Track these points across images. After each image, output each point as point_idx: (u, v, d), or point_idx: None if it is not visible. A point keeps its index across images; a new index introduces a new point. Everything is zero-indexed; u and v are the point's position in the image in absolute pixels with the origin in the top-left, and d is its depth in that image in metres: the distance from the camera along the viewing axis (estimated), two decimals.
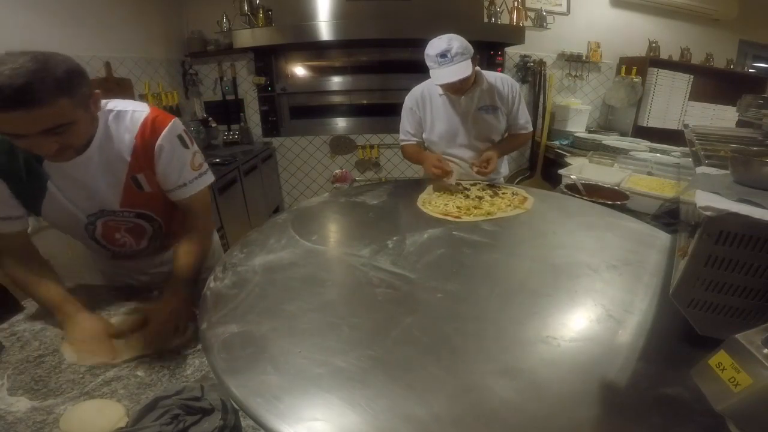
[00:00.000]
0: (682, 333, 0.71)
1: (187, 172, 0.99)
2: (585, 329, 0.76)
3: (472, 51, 1.49)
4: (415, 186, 1.63)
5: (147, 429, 0.54)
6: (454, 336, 0.74)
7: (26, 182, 0.87)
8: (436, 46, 1.47)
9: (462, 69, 1.46)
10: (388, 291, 0.88)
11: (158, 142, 0.92)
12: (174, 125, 0.95)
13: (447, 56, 1.45)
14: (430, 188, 1.58)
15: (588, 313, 0.80)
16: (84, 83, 0.78)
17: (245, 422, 0.63)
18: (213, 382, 0.65)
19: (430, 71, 1.51)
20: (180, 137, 0.97)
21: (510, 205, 1.39)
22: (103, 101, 0.90)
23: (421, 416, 0.56)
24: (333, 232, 1.34)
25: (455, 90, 1.57)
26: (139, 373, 0.77)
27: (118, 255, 1.12)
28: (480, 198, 1.46)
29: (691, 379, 0.58)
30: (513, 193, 1.50)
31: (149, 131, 0.91)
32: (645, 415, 0.57)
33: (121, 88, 2.55)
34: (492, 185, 1.61)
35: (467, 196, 1.48)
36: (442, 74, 1.47)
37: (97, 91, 0.83)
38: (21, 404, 0.69)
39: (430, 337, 0.73)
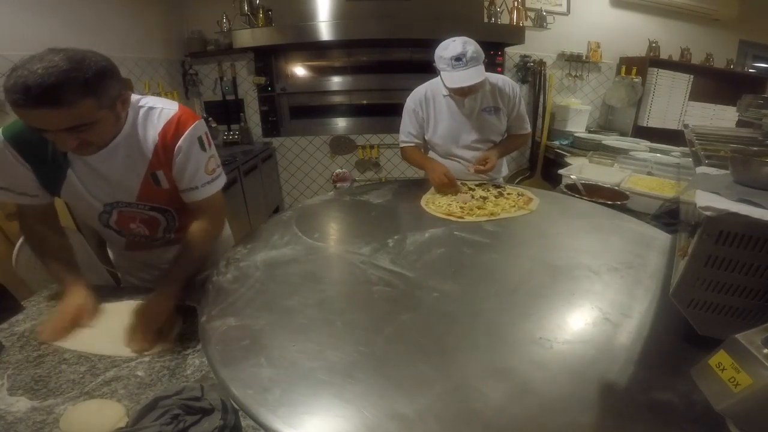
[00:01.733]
0: (682, 334, 0.71)
1: (201, 175, 1.00)
2: (579, 332, 0.75)
3: (484, 55, 1.49)
4: (420, 186, 1.63)
5: (147, 429, 0.54)
6: (447, 335, 0.74)
7: (50, 167, 0.90)
8: (451, 48, 1.46)
9: (476, 74, 1.47)
10: (385, 289, 0.89)
11: (179, 143, 0.93)
12: (196, 127, 0.96)
13: (462, 60, 1.45)
14: (434, 188, 1.58)
15: (584, 316, 0.79)
16: (113, 85, 0.80)
17: (245, 422, 0.62)
18: (213, 382, 0.65)
19: (442, 73, 1.51)
20: (200, 139, 0.98)
21: (514, 206, 1.38)
22: (137, 96, 0.94)
23: (406, 413, 0.56)
24: (335, 230, 1.35)
25: (463, 93, 1.57)
26: (139, 373, 0.77)
27: (132, 245, 1.14)
28: (484, 198, 1.46)
29: (683, 385, 0.58)
30: (518, 194, 1.50)
31: (173, 131, 0.93)
32: (631, 421, 0.57)
33: None
34: (497, 186, 1.60)
35: (472, 197, 1.47)
36: (456, 78, 1.47)
37: (126, 91, 0.85)
38: (21, 404, 0.69)
39: (422, 336, 0.74)
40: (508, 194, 1.50)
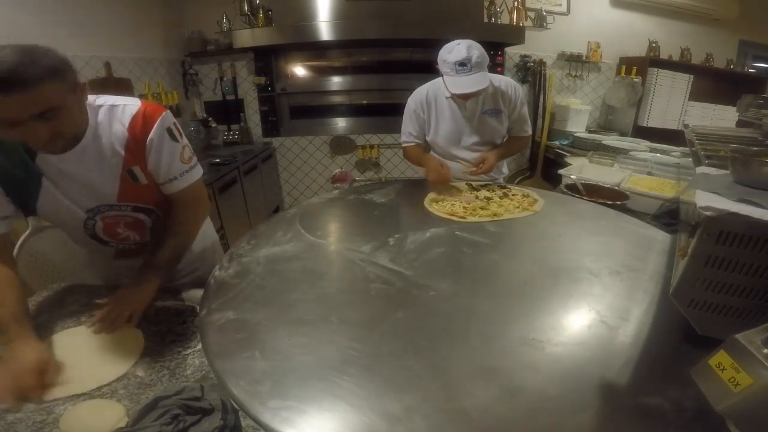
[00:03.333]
0: (682, 334, 0.71)
1: (177, 165, 0.99)
2: (573, 334, 0.75)
3: (488, 60, 1.48)
4: (424, 186, 1.63)
5: (147, 429, 0.54)
6: (440, 333, 0.75)
7: (21, 181, 0.87)
8: (455, 52, 1.44)
9: (480, 80, 1.45)
10: (382, 287, 0.89)
11: (150, 135, 0.93)
12: (164, 118, 0.95)
13: (466, 66, 1.43)
14: (430, 185, 1.58)
15: (580, 319, 0.79)
16: (70, 71, 0.79)
17: (245, 422, 0.63)
18: (213, 382, 0.65)
19: (445, 77, 1.49)
20: (169, 130, 0.97)
21: (518, 207, 1.37)
22: (93, 96, 0.91)
23: (393, 410, 0.56)
24: (338, 227, 1.36)
25: (466, 96, 1.56)
26: (139, 373, 0.77)
27: (121, 253, 1.11)
28: (489, 199, 1.45)
29: (674, 391, 0.58)
30: (523, 195, 1.48)
31: (141, 124, 0.92)
32: (618, 425, 0.56)
33: (121, 88, 2.55)
34: (502, 186, 1.59)
35: (476, 197, 1.46)
36: (460, 83, 1.46)
37: (83, 82, 0.84)
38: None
39: (415, 333, 0.74)
40: (513, 195, 1.49)
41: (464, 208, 1.36)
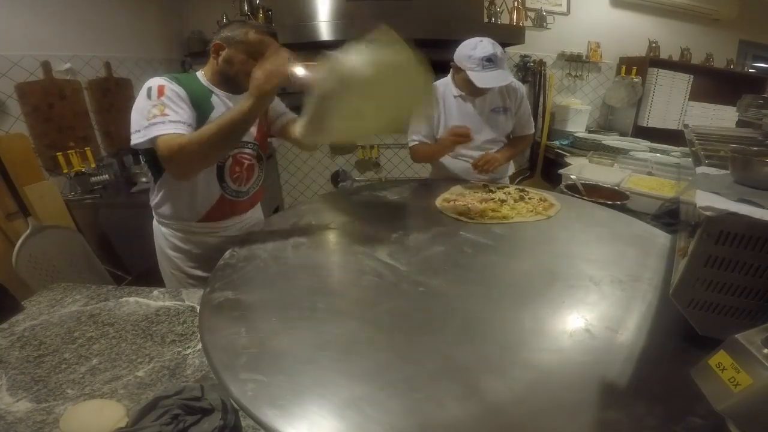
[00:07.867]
0: (681, 333, 0.71)
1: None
2: (553, 341, 0.72)
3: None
4: (440, 186, 1.62)
5: (147, 429, 0.54)
6: (417, 329, 0.76)
7: (201, 108, 1.11)
8: (480, 49, 1.46)
9: (506, 75, 1.49)
10: (374, 279, 0.91)
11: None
12: None
13: (493, 61, 1.46)
14: (454, 188, 1.55)
15: (565, 326, 0.76)
16: None
17: (245, 422, 0.63)
18: (213, 382, 0.65)
19: (470, 73, 1.48)
20: None
21: (532, 211, 1.34)
22: None
23: (351, 394, 0.58)
24: (347, 221, 1.36)
25: (478, 93, 1.57)
26: (139, 373, 0.77)
27: (213, 210, 1.24)
28: (503, 201, 1.41)
29: (639, 407, 0.57)
30: (540, 199, 1.44)
31: None
32: None
33: (121, 88, 2.55)
34: (521, 189, 1.57)
35: (491, 199, 1.44)
36: (487, 78, 1.47)
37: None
38: (21, 404, 0.69)
39: (394, 325, 0.76)
40: (530, 199, 1.45)
41: (472, 208, 1.35)
